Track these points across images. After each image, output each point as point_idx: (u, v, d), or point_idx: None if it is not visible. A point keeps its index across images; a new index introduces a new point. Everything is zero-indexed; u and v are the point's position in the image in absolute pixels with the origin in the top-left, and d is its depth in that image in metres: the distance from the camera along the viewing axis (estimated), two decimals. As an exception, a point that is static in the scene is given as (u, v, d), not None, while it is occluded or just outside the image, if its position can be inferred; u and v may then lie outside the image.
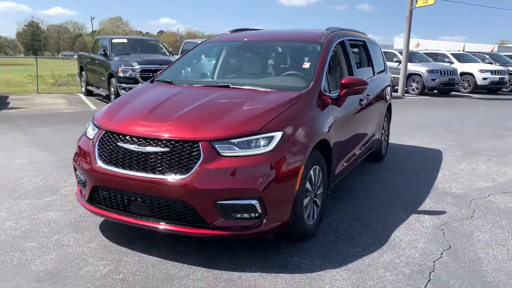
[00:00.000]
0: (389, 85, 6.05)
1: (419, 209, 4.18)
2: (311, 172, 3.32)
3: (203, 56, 4.64)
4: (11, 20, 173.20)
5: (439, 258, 3.19)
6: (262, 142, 2.96)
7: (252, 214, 2.93)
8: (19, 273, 2.85)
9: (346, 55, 4.51)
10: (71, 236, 3.42)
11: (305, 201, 3.28)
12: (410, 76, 16.55)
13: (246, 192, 2.86)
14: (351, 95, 3.97)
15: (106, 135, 3.20)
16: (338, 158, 3.91)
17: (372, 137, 5.23)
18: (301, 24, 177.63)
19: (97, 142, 3.22)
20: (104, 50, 11.55)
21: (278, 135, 3.01)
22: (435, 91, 16.95)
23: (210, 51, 4.76)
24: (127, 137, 3.07)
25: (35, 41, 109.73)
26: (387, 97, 5.83)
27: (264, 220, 2.94)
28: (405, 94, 16.18)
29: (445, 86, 16.44)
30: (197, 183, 2.83)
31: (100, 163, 3.13)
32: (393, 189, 4.78)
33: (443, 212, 4.10)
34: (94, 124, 3.38)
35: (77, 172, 3.42)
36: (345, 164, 4.19)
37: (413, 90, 16.65)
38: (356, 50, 5.33)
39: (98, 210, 3.22)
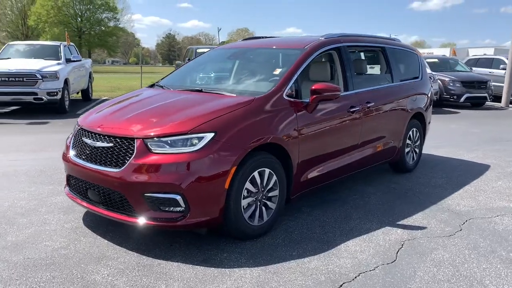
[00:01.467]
0: (421, 93, 5.71)
1: (398, 222, 3.97)
2: (255, 174, 3.43)
3: (204, 62, 4.98)
4: (154, 33, 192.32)
5: (370, 271, 3.06)
6: (192, 142, 3.18)
7: (177, 208, 3.16)
8: (-5, 241, 3.47)
9: (342, 62, 4.47)
10: (57, 217, 3.98)
11: (245, 201, 3.40)
12: (518, 85, 14.83)
13: (169, 187, 3.11)
14: (324, 101, 3.95)
15: (78, 131, 3.70)
16: (307, 164, 3.91)
17: (383, 146, 5.03)
18: (431, 30, 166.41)
19: (73, 137, 3.75)
20: (189, 59, 12.54)
21: (208, 136, 3.20)
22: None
23: (212, 57, 5.07)
24: (88, 133, 3.53)
25: (171, 52, 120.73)
26: (414, 105, 5.51)
27: (188, 215, 3.15)
28: (511, 105, 14.56)
29: None
30: (128, 175, 3.16)
31: (71, 154, 3.65)
32: (390, 201, 4.56)
33: (422, 228, 3.84)
34: (77, 122, 3.91)
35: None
36: (324, 171, 4.14)
37: (521, 101, 14.90)
38: (368, 56, 5.21)
39: (71, 196, 3.74)
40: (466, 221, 4.04)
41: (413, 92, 5.54)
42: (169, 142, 3.20)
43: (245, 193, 3.39)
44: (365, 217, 4.08)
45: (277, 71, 4.04)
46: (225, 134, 3.26)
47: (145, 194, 3.14)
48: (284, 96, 3.76)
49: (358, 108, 4.43)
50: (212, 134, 3.21)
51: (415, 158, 5.81)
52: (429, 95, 5.97)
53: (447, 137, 8.72)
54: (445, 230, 3.81)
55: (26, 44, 12.61)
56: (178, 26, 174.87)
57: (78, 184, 3.61)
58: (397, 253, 3.34)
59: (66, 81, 10.95)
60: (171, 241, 3.46)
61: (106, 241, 3.49)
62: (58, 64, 11.03)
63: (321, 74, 4.39)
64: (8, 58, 11.23)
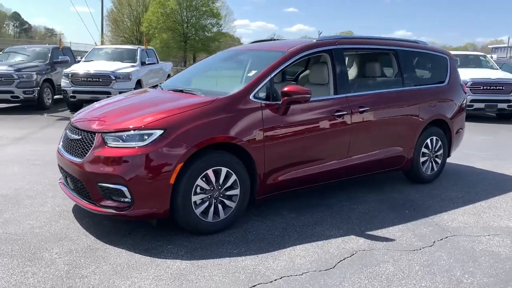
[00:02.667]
0: (445, 99, 5.31)
1: (368, 232, 3.80)
2: (209, 172, 3.54)
3: (206, 63, 5.19)
4: (260, 38, 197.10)
5: (295, 275, 3.02)
6: (141, 137, 3.40)
7: (125, 199, 3.40)
8: (-8, 216, 4.02)
9: (333, 64, 4.38)
10: (56, 201, 4.45)
11: (197, 197, 3.53)
12: None
13: (116, 178, 3.36)
14: (295, 103, 3.92)
15: (67, 124, 4.14)
16: (275, 167, 3.90)
17: (386, 154, 4.79)
18: None
19: (64, 130, 4.19)
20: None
21: (157, 132, 3.39)
22: None
23: (213, 59, 5.25)
24: (70, 126, 3.95)
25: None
26: (432, 112, 5.13)
27: (133, 206, 3.38)
28: None
29: None
30: (86, 165, 3.49)
31: (60, 145, 4.09)
32: (378, 211, 4.34)
33: (389, 240, 3.64)
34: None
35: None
36: (297, 176, 4.07)
37: None
38: (375, 59, 5.03)
39: (60, 183, 4.18)
40: (447, 237, 3.73)
41: (432, 98, 5.18)
42: (123, 137, 3.45)
43: (197, 189, 3.52)
44: (337, 225, 3.95)
45: (252, 73, 4.10)
46: (175, 131, 3.42)
47: (99, 184, 3.44)
48: (251, 98, 3.81)
49: (345, 113, 4.30)
50: (161, 131, 3.40)
51: (435, 169, 5.39)
52: (457, 102, 5.52)
53: (506, 149, 7.89)
54: (413, 245, 3.56)
55: (109, 48, 13.91)
56: (283, 30, 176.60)
57: (62, 173, 4.04)
58: (339, 262, 3.23)
59: (139, 82, 11.91)
60: (131, 230, 3.71)
61: (78, 225, 3.85)
62: (133, 66, 12.04)
63: (316, 76, 4.36)
64: (91, 60, 12.53)
